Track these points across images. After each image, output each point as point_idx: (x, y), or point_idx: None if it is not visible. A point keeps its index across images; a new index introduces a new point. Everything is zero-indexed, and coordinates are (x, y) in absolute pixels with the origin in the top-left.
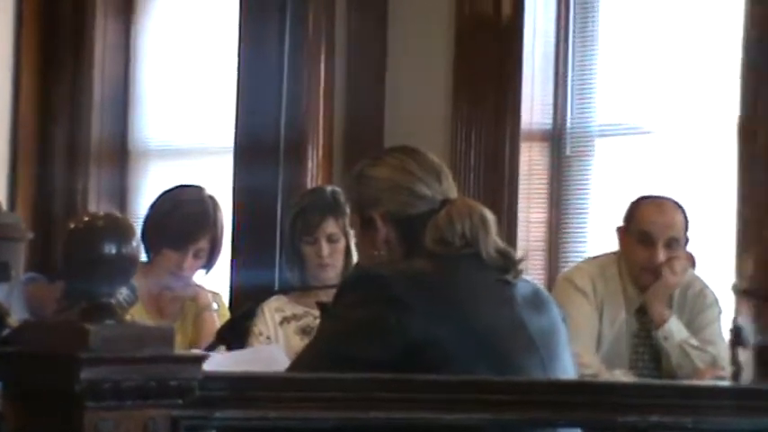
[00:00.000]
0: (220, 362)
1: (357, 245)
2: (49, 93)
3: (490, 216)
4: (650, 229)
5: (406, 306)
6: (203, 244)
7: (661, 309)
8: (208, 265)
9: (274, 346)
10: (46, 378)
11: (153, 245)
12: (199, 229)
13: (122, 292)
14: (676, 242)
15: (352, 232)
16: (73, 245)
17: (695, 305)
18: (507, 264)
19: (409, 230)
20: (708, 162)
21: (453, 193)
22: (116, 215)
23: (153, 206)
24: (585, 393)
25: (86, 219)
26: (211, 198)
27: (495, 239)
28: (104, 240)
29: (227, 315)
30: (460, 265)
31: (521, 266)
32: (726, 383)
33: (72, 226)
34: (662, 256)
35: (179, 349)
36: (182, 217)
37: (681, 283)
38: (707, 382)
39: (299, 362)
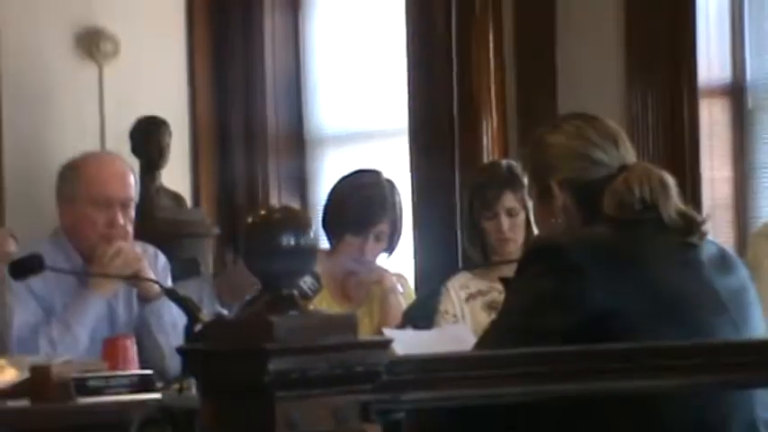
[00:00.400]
0: (407, 340)
1: (535, 214)
2: (223, 86)
3: (670, 179)
4: None
5: (587, 274)
6: (383, 227)
7: None
8: (389, 248)
9: (461, 325)
10: (236, 372)
11: (334, 231)
12: (378, 213)
13: (306, 281)
14: None
15: (530, 203)
16: (252, 239)
17: None
18: (690, 226)
19: (587, 197)
20: None
21: (631, 158)
22: (292, 207)
23: (331, 193)
24: None
25: (263, 213)
26: (389, 181)
27: (676, 202)
28: (282, 233)
29: (412, 296)
30: (642, 230)
31: (704, 228)
32: None
33: (250, 221)
34: None
35: (367, 334)
36: (360, 201)
37: None
38: None
39: (486, 339)
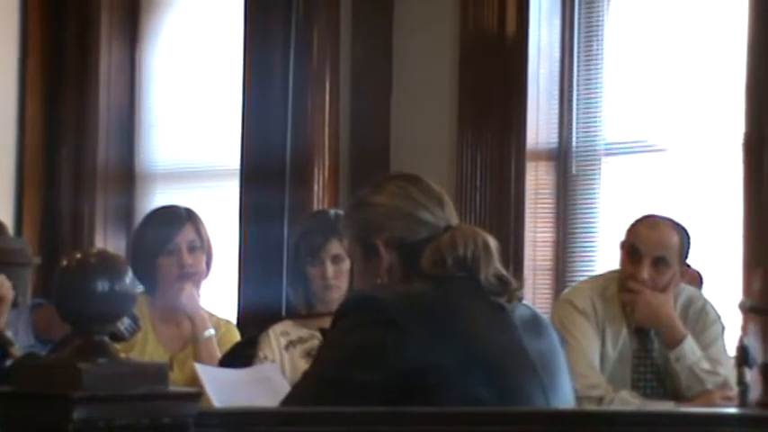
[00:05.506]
0: (217, 377)
1: (358, 275)
2: (54, 117)
3: (493, 243)
4: (639, 245)
5: (403, 329)
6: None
7: (676, 331)
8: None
9: (269, 364)
10: (41, 417)
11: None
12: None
13: (123, 322)
14: (664, 262)
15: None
16: (65, 282)
17: (698, 322)
18: (503, 289)
19: (411, 257)
20: (715, 179)
21: (455, 220)
22: (109, 252)
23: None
24: (587, 423)
25: (79, 256)
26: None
27: (496, 266)
28: (97, 278)
29: (236, 339)
30: (457, 288)
31: (518, 293)
32: (730, 410)
33: (64, 263)
34: (647, 273)
35: (181, 377)
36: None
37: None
38: (711, 409)
39: (298, 389)
